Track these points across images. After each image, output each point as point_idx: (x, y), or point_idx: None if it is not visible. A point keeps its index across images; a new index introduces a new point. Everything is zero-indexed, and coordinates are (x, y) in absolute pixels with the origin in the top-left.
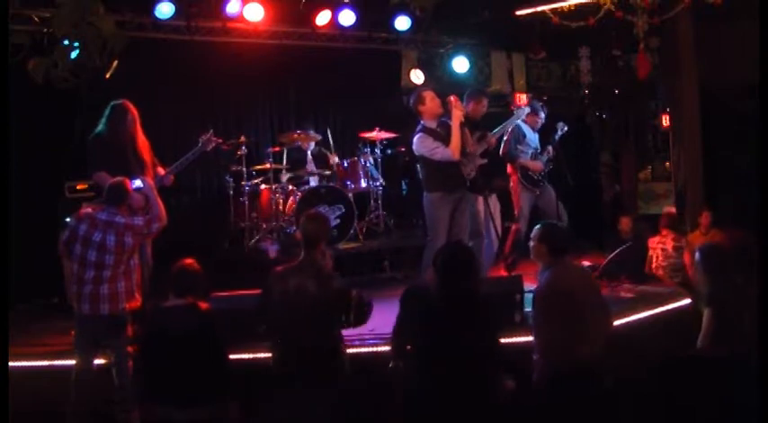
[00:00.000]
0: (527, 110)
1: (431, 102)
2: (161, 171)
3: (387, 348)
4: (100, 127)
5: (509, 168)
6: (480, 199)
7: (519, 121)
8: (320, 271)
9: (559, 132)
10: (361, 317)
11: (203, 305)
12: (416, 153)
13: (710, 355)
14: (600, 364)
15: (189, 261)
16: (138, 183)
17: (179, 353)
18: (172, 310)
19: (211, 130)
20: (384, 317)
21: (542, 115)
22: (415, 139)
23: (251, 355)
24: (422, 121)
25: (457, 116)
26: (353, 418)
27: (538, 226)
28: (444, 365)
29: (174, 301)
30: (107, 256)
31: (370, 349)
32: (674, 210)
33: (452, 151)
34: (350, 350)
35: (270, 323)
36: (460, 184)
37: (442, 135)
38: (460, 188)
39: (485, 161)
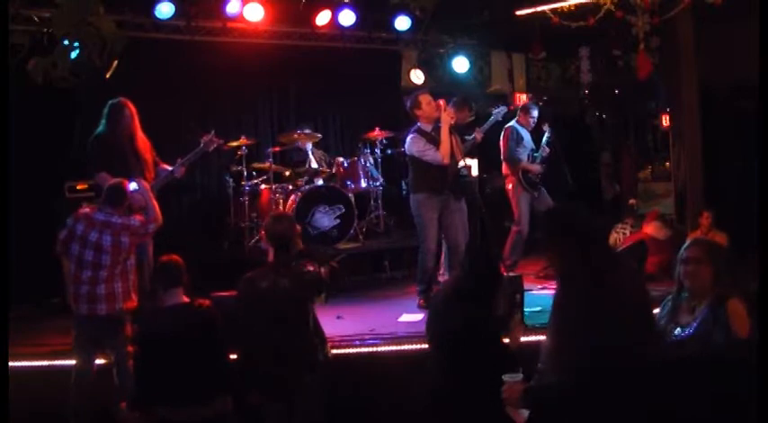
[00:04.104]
0: (504, 109)
1: (427, 106)
2: (166, 166)
3: (387, 348)
4: (100, 127)
5: (505, 169)
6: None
7: (514, 123)
8: (293, 271)
9: (546, 136)
10: (338, 284)
11: (204, 303)
12: (407, 153)
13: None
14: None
15: (171, 256)
16: (133, 185)
17: (183, 352)
18: (173, 309)
19: (213, 131)
20: (384, 317)
21: (534, 115)
22: (407, 138)
23: None
24: (418, 123)
25: (446, 120)
26: (346, 416)
27: None
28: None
29: (174, 299)
30: (103, 256)
31: (371, 349)
32: (633, 201)
33: (442, 155)
34: (349, 350)
35: (243, 329)
36: (446, 187)
37: (435, 138)
38: (446, 190)
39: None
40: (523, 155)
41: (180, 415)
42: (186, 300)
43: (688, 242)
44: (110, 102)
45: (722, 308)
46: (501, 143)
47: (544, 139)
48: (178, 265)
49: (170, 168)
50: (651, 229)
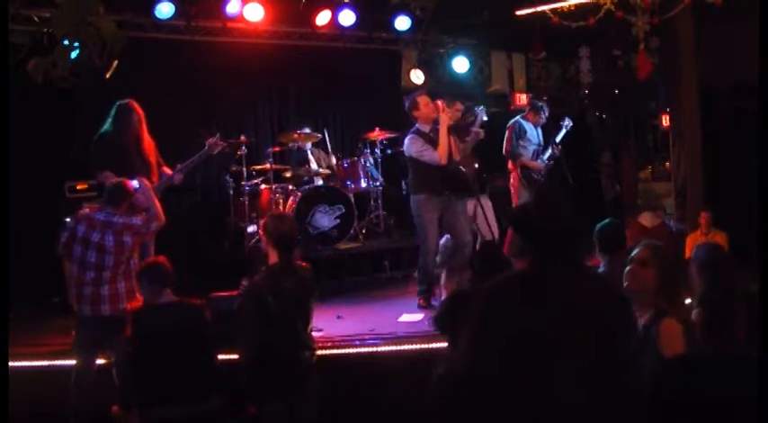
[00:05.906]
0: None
1: (425, 107)
2: (167, 171)
3: (387, 348)
4: (105, 126)
5: (509, 165)
6: (471, 200)
7: (519, 118)
8: (296, 271)
9: (564, 129)
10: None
11: (197, 301)
12: (406, 154)
13: (701, 355)
14: None
15: (158, 258)
16: (134, 184)
17: (177, 350)
18: (168, 307)
19: (218, 134)
20: (384, 317)
21: (544, 114)
22: (406, 140)
23: None
24: (416, 125)
25: (444, 121)
26: (346, 416)
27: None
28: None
29: (166, 298)
30: (107, 256)
31: (371, 349)
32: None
33: (440, 155)
34: (349, 350)
35: (246, 330)
36: (447, 187)
37: (433, 139)
38: (447, 191)
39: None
40: (527, 151)
41: (174, 413)
42: (176, 298)
43: (640, 245)
44: (117, 102)
45: (656, 325)
46: (505, 138)
47: (561, 133)
48: (167, 265)
49: (170, 173)
50: (643, 218)
